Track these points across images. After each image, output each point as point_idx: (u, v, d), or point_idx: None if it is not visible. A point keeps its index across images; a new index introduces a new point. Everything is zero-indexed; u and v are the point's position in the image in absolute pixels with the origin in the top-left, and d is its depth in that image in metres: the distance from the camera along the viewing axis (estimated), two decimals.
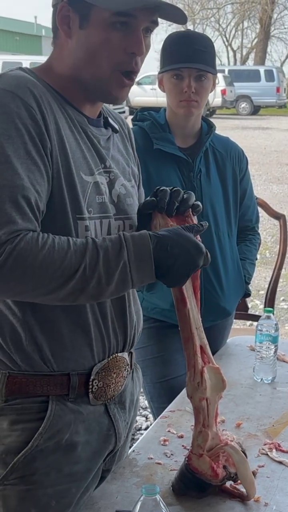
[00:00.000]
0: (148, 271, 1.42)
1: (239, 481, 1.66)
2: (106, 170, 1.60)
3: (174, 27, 22.21)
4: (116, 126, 1.70)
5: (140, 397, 3.28)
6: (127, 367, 1.70)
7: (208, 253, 1.50)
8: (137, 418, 3.85)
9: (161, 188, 1.62)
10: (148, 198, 1.66)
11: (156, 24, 1.53)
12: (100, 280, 1.38)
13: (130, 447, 1.91)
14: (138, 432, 3.69)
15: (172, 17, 1.53)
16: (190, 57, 2.40)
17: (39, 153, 1.41)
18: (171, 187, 1.62)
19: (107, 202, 1.58)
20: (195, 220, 1.64)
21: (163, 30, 24.66)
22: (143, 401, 3.55)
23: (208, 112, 24.35)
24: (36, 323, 1.50)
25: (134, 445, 1.93)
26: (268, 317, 2.37)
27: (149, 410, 3.35)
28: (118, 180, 1.64)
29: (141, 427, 3.78)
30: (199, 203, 1.63)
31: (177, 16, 1.52)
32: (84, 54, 1.51)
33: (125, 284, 1.42)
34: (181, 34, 2.50)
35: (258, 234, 2.87)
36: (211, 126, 2.61)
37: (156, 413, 2.50)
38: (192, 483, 1.63)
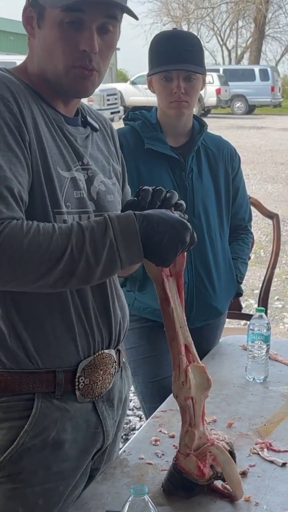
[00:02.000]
0: (136, 248, 1.42)
1: None
2: (84, 167, 1.60)
3: (169, 27, 22.24)
4: (96, 125, 1.71)
5: (134, 397, 3.28)
6: (114, 364, 1.69)
7: (194, 232, 1.49)
8: (131, 418, 3.85)
9: (144, 188, 1.61)
10: (130, 198, 1.66)
11: (114, 19, 1.52)
12: (89, 260, 1.38)
13: (121, 448, 1.91)
14: (131, 432, 3.69)
15: (124, 10, 1.52)
16: (178, 58, 2.39)
17: (19, 145, 1.42)
18: (154, 187, 1.62)
19: (86, 198, 1.59)
20: None
21: (157, 30, 24.71)
22: (137, 401, 3.54)
23: (203, 112, 24.35)
24: (19, 320, 1.50)
25: (125, 445, 1.93)
26: (260, 317, 2.37)
27: None
28: (97, 177, 1.64)
29: (135, 427, 3.77)
30: (182, 202, 1.62)
31: (126, 11, 1.52)
32: (43, 53, 1.54)
33: (114, 263, 1.41)
34: (168, 34, 2.49)
35: (251, 233, 2.87)
36: (203, 125, 2.61)
37: (148, 413, 2.50)
38: (179, 483, 1.63)
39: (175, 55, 2.40)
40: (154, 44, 2.47)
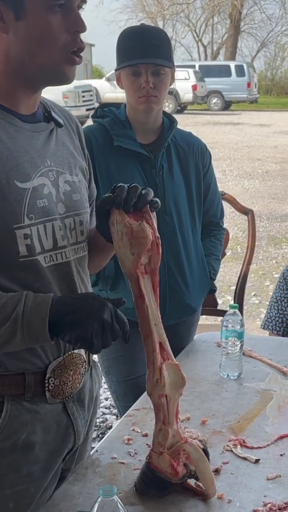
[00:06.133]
0: (40, 323, 1.42)
1: None
2: (47, 170, 1.56)
3: (145, 23, 22.18)
4: (61, 121, 1.67)
5: (110, 396, 3.27)
6: (84, 364, 1.68)
7: (120, 314, 1.50)
8: (108, 416, 3.84)
9: (119, 184, 1.60)
10: (106, 194, 1.64)
11: (85, 1, 1.52)
12: None
13: (93, 447, 1.90)
14: (108, 431, 3.67)
15: None
16: (145, 52, 2.38)
17: None
18: (129, 184, 1.60)
19: (54, 202, 1.56)
20: (153, 216, 1.62)
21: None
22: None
23: (179, 108, 24.37)
24: None
25: (98, 444, 1.92)
26: (234, 313, 2.36)
27: None
28: (61, 177, 1.61)
29: (111, 426, 3.76)
30: (157, 199, 1.61)
31: None
32: (27, 44, 1.47)
33: (13, 337, 1.43)
34: (135, 29, 2.47)
35: (223, 229, 2.86)
36: (172, 121, 2.59)
37: (122, 412, 2.48)
38: (152, 482, 1.61)
39: (143, 50, 2.38)
40: (122, 39, 2.45)
